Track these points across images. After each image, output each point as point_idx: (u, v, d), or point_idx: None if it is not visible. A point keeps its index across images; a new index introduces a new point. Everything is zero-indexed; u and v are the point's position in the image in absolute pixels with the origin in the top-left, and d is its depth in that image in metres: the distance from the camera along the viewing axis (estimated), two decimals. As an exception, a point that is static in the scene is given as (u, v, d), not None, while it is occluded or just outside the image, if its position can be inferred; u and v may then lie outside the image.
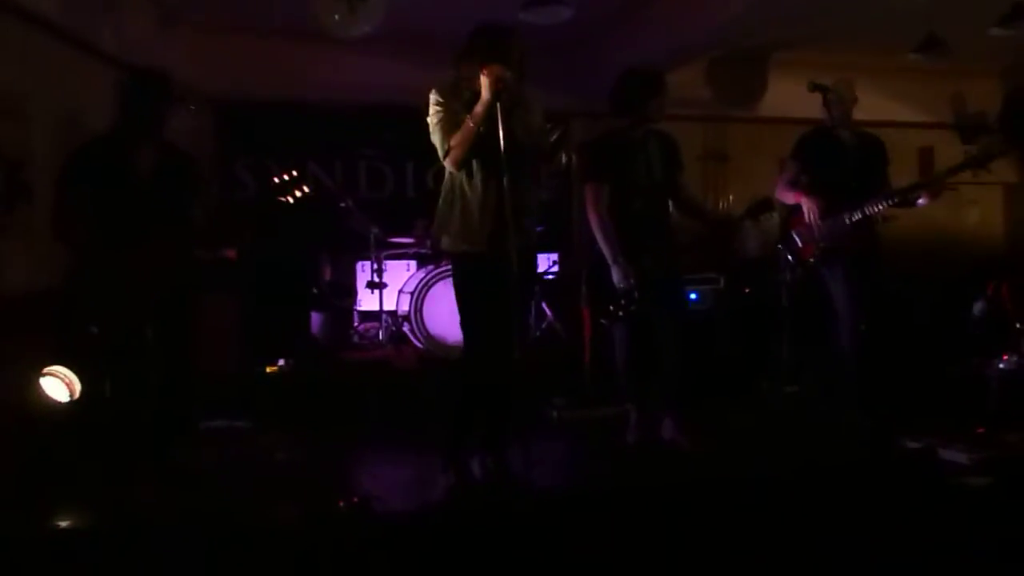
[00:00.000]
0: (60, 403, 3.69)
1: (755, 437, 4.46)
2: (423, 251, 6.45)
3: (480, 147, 3.27)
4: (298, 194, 3.67)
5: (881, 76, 7.83)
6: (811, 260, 4.53)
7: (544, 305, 6.32)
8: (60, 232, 3.57)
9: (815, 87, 4.01)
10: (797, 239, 4.53)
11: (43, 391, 3.68)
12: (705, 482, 3.65)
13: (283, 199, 3.68)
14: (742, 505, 3.33)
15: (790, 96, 6.70)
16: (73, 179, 3.56)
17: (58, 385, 3.76)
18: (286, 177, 3.65)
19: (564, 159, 7.65)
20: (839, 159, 4.60)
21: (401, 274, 6.58)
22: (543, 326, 6.31)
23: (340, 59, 6.69)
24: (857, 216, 4.41)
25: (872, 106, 7.38)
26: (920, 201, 4.50)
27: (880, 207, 4.40)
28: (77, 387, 3.72)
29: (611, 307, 4.11)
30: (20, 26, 4.44)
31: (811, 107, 4.42)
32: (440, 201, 3.53)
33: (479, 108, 3.20)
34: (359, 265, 6.68)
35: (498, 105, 3.10)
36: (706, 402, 4.76)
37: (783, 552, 2.96)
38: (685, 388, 4.29)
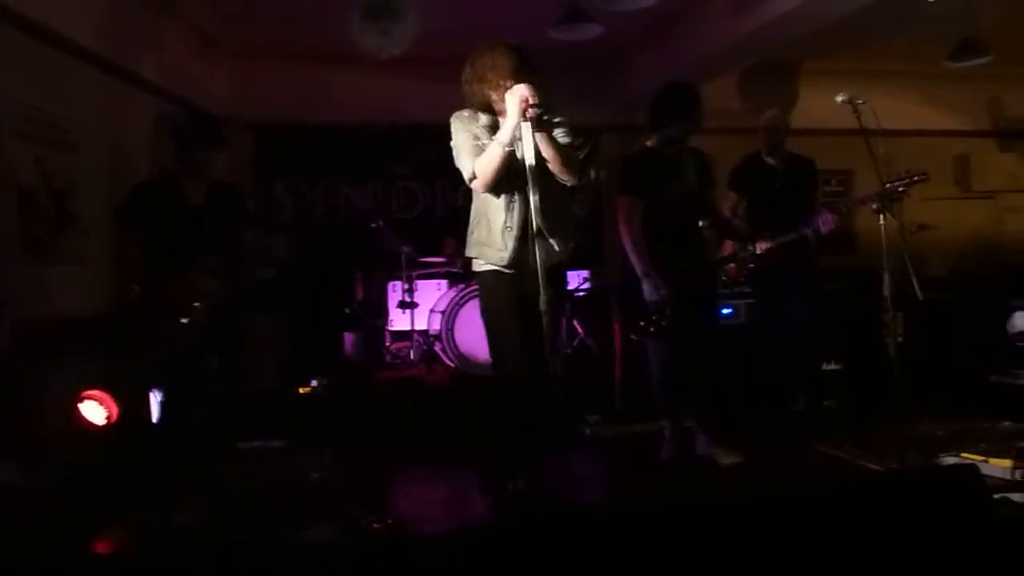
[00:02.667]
0: (99, 426, 3.77)
1: (790, 452, 4.41)
2: (454, 270, 6.47)
3: (505, 167, 3.28)
4: None
5: (914, 82, 7.76)
6: (740, 279, 4.71)
7: (575, 322, 6.32)
8: (124, 267, 3.91)
9: (847, 101, 3.99)
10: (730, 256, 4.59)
11: (83, 414, 3.77)
12: (740, 498, 3.61)
13: None
14: (778, 521, 3.29)
15: (822, 106, 6.66)
16: (131, 217, 3.87)
17: (97, 408, 3.85)
18: None
19: (594, 174, 7.65)
20: (769, 185, 5.06)
21: (432, 293, 6.61)
22: (575, 343, 6.30)
23: (372, 81, 6.76)
24: (781, 240, 4.52)
25: (905, 113, 7.36)
26: (822, 230, 4.48)
27: (798, 234, 4.51)
28: (116, 411, 3.80)
29: (642, 323, 4.12)
30: (66, 57, 4.55)
31: (843, 118, 4.39)
32: (470, 218, 3.55)
33: (506, 129, 3.17)
34: (390, 285, 6.72)
35: (524, 124, 3.09)
36: (741, 417, 4.73)
37: (821, 569, 2.92)
38: (719, 403, 4.27)
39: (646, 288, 4.04)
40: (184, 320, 3.63)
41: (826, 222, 4.42)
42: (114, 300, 3.88)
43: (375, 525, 3.13)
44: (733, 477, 3.97)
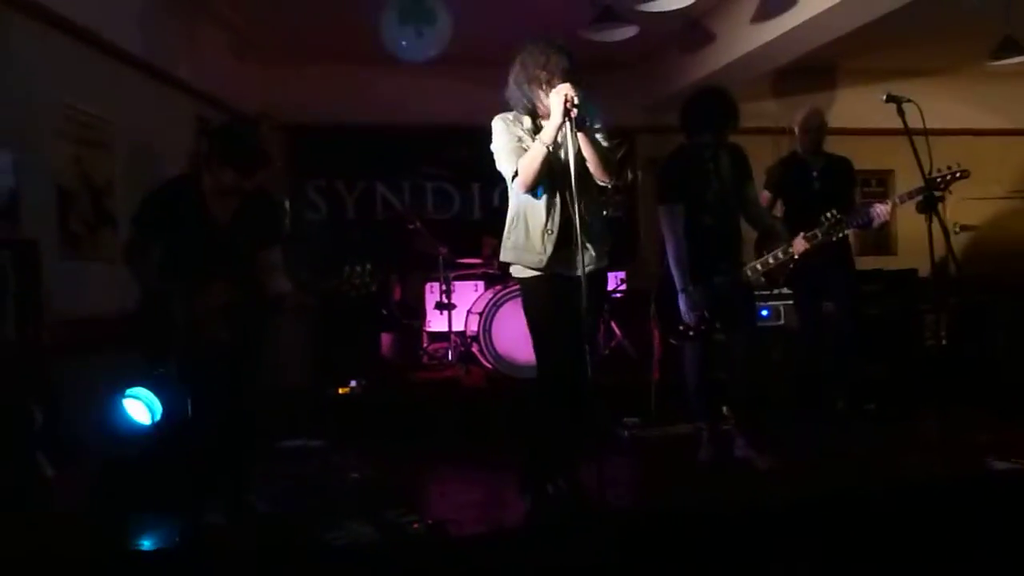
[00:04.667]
0: (141, 424, 3.78)
1: (831, 455, 4.34)
2: (491, 271, 6.47)
3: (547, 168, 3.26)
4: (363, 291, 3.56)
5: (957, 81, 7.64)
6: (780, 280, 4.58)
7: (613, 324, 6.28)
8: (127, 265, 3.52)
9: (891, 98, 3.92)
10: (773, 263, 4.27)
11: (125, 412, 3.78)
12: (781, 502, 3.57)
13: (346, 290, 3.47)
14: (820, 526, 3.25)
15: (859, 106, 6.59)
16: (145, 224, 3.47)
17: (139, 406, 3.86)
18: (358, 270, 3.45)
19: (630, 175, 7.62)
20: (807, 185, 5.02)
21: (469, 294, 6.60)
22: (612, 345, 6.27)
23: (406, 82, 6.81)
24: (818, 240, 4.29)
25: (949, 113, 7.24)
26: (872, 225, 4.48)
27: (851, 227, 4.45)
28: (158, 408, 3.81)
29: (680, 327, 4.08)
30: (104, 58, 4.61)
31: (887, 116, 4.33)
32: (507, 222, 3.52)
33: (549, 130, 3.15)
34: (428, 286, 6.73)
35: (567, 126, 3.07)
36: (780, 419, 4.67)
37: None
38: (758, 406, 4.22)
39: (683, 304, 4.02)
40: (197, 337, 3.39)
41: (880, 214, 4.35)
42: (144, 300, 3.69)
43: (415, 525, 3.11)
44: (773, 482, 3.91)
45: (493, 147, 3.40)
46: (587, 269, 3.07)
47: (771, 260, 4.22)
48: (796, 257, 4.19)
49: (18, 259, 3.35)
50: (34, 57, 4.02)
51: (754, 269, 4.20)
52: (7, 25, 3.84)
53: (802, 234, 4.16)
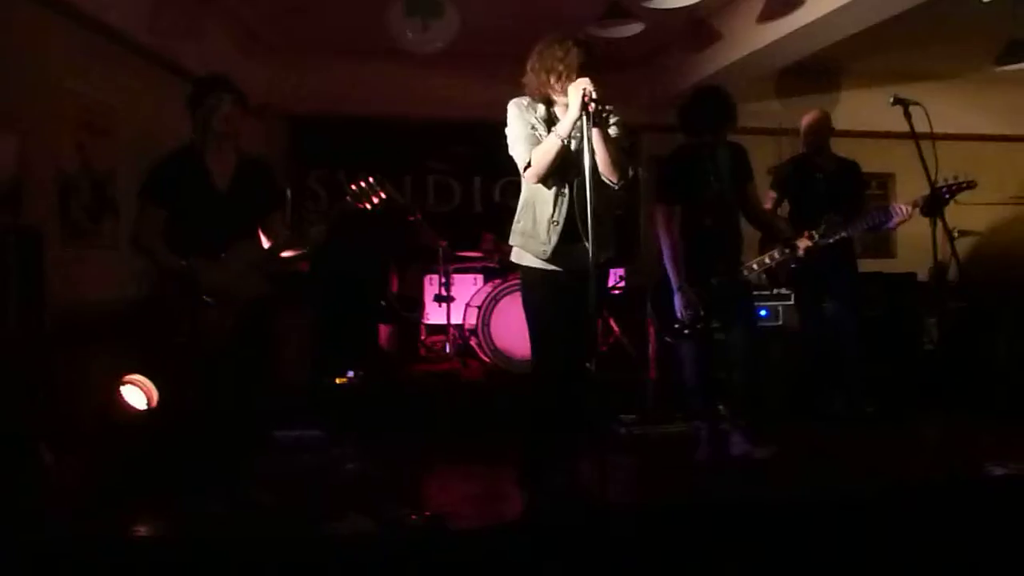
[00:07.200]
0: (139, 410, 3.79)
1: (830, 456, 4.35)
2: (490, 265, 6.47)
3: (560, 161, 3.26)
4: (375, 200, 3.67)
5: (962, 85, 7.62)
6: (783, 280, 4.67)
7: (611, 321, 6.28)
8: (140, 246, 3.51)
9: (898, 101, 3.91)
10: (771, 262, 4.31)
11: (123, 398, 3.79)
12: (779, 500, 3.57)
13: (361, 205, 3.65)
14: (816, 525, 3.25)
15: (862, 108, 6.58)
16: (152, 194, 3.52)
17: (137, 393, 3.87)
18: (363, 184, 3.65)
19: (631, 172, 7.59)
20: (814, 187, 4.95)
21: (468, 288, 6.60)
22: (610, 341, 6.27)
23: (411, 76, 6.79)
24: (825, 241, 4.32)
25: (952, 117, 7.23)
26: (889, 225, 4.50)
27: (846, 233, 4.44)
28: (155, 395, 3.82)
29: (675, 325, 4.09)
30: (109, 45, 4.60)
31: (890, 119, 4.32)
32: (518, 206, 3.51)
33: (567, 122, 3.15)
34: (427, 278, 6.72)
35: (584, 119, 3.07)
36: (778, 419, 4.68)
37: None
38: (756, 404, 4.23)
39: (678, 303, 4.04)
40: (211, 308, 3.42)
41: (900, 212, 4.33)
42: (150, 285, 3.69)
43: (413, 517, 3.12)
44: (770, 480, 3.92)
45: (507, 132, 3.39)
46: (591, 260, 3.06)
47: (768, 260, 4.22)
48: (800, 255, 4.18)
49: (21, 246, 3.34)
50: (37, 42, 4.01)
51: (751, 269, 4.21)
52: (10, 10, 3.83)
53: (806, 232, 4.17)
